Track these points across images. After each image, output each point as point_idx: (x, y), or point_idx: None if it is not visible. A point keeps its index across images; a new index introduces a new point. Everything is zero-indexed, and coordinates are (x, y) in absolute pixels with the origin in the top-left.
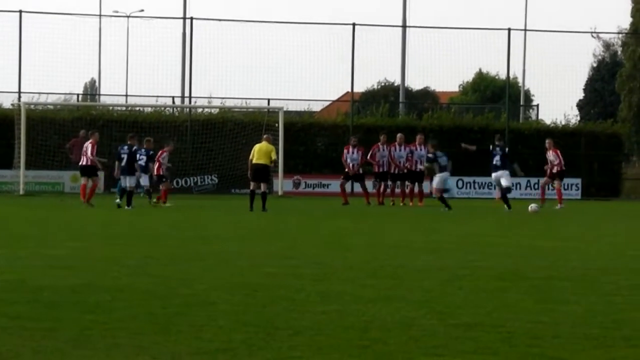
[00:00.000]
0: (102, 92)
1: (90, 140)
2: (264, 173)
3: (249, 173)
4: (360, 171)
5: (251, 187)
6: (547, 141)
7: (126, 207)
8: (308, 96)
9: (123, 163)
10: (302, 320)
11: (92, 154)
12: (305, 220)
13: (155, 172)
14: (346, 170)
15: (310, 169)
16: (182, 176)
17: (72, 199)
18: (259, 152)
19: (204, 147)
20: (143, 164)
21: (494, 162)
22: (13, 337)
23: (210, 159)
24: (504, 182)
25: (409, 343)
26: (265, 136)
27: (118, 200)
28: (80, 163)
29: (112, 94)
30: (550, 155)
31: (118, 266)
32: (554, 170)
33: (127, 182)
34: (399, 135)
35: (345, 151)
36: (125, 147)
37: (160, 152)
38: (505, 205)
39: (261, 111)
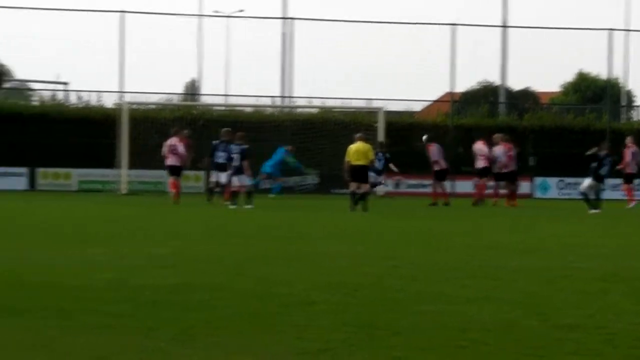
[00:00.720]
0: (202, 92)
1: (175, 138)
2: (363, 174)
3: (346, 174)
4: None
5: (351, 188)
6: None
7: (246, 207)
8: (408, 96)
9: (236, 162)
10: (402, 320)
11: (185, 151)
12: (405, 220)
13: (177, 163)
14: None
15: (410, 169)
16: (285, 175)
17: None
18: (357, 152)
19: (303, 147)
20: (238, 163)
21: (601, 172)
22: (116, 336)
23: (310, 159)
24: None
25: (508, 344)
26: (358, 135)
27: (229, 204)
28: (169, 163)
29: (212, 93)
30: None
31: (218, 265)
32: (627, 171)
33: (238, 180)
34: (495, 135)
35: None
36: (234, 146)
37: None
38: (592, 208)
39: (361, 111)
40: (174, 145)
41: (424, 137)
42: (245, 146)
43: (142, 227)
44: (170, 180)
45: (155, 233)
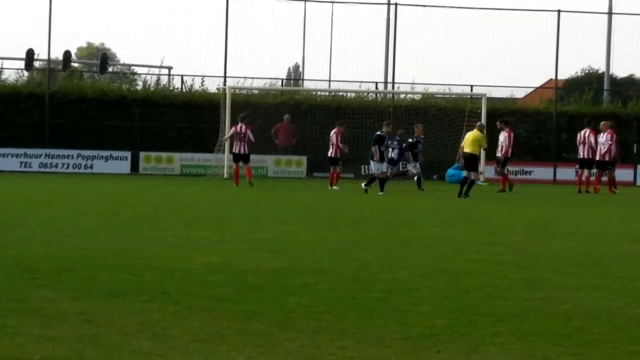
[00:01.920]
0: (305, 77)
1: (242, 125)
2: (472, 162)
3: (460, 160)
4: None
5: (464, 175)
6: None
7: (380, 194)
8: (511, 83)
9: (394, 155)
10: (505, 308)
11: (339, 141)
12: (508, 207)
13: (333, 154)
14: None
15: (512, 156)
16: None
17: (275, 181)
18: (467, 140)
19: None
20: (395, 156)
21: None
22: (218, 319)
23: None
24: None
25: (613, 332)
26: (478, 124)
27: (365, 186)
28: (236, 151)
29: (315, 79)
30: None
31: (321, 250)
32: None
33: (384, 168)
34: (602, 122)
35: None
36: (396, 142)
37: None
38: None
39: (464, 97)
40: (242, 132)
41: (503, 120)
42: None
43: (246, 212)
44: (234, 166)
45: (259, 217)
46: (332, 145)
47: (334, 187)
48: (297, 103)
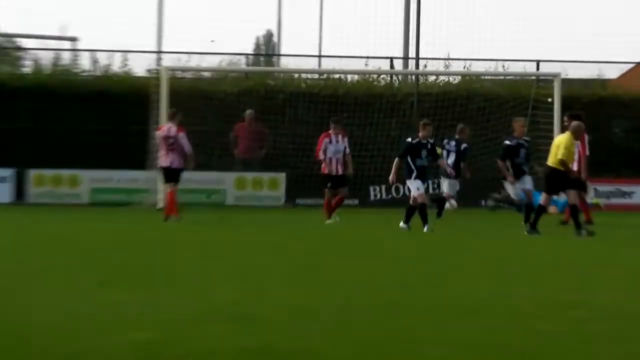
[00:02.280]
0: (282, 52)
1: (171, 125)
2: (551, 179)
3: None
4: None
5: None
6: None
7: (403, 226)
8: (597, 57)
9: (451, 161)
10: None
11: (188, 147)
12: (593, 248)
13: (335, 170)
14: None
15: (605, 168)
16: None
17: (238, 213)
18: (553, 147)
19: (439, 133)
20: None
21: None
22: None
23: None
24: None
25: None
26: (574, 124)
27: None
28: (164, 164)
29: (298, 54)
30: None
31: (313, 319)
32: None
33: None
34: None
35: None
36: (453, 143)
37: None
38: None
39: (526, 79)
40: (171, 137)
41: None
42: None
43: (192, 261)
44: (167, 189)
45: (213, 269)
46: (331, 157)
47: (333, 218)
48: (270, 91)
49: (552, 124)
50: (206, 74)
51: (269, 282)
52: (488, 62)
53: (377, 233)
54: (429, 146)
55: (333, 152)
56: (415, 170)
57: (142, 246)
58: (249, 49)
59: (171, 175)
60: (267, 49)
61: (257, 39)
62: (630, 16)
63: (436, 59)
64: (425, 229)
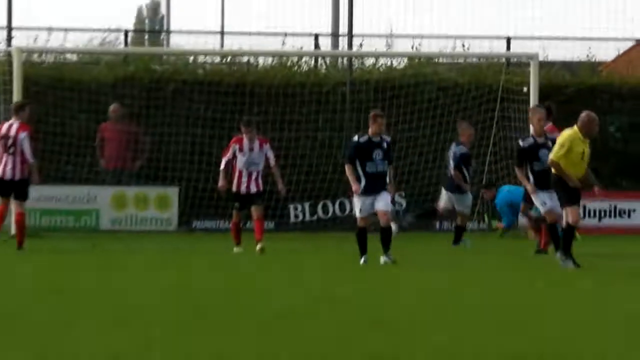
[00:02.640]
0: (172, 28)
1: (12, 121)
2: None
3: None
4: None
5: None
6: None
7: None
8: (587, 33)
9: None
10: None
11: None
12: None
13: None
14: None
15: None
16: (321, 196)
17: (114, 240)
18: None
19: None
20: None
21: None
22: None
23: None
24: None
25: None
26: (584, 115)
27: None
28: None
29: (191, 30)
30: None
31: None
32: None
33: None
34: None
35: None
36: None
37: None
38: None
39: (493, 62)
40: (11, 137)
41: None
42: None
43: (60, 303)
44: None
45: (90, 313)
46: (241, 170)
47: (261, 244)
48: (157, 80)
49: (526, 120)
50: (72, 57)
51: (156, 330)
52: (443, 39)
53: (298, 265)
54: (384, 145)
55: (244, 164)
56: (364, 179)
57: None
58: (129, 23)
59: (12, 189)
60: (152, 23)
61: (140, 10)
62: None
63: (375, 35)
64: (381, 260)
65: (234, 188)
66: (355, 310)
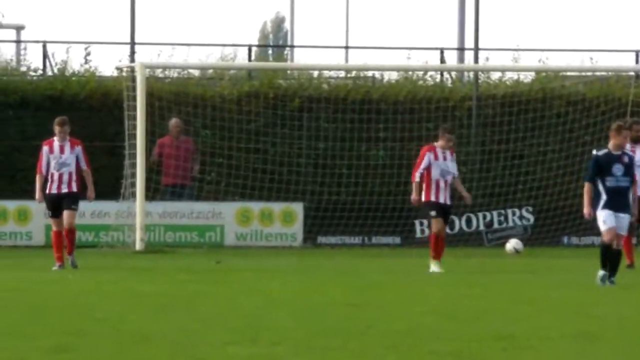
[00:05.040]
0: (296, 43)
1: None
2: None
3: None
4: None
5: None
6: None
7: None
8: None
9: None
10: None
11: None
12: None
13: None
14: None
15: None
16: (461, 211)
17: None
18: None
19: (506, 151)
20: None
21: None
22: None
23: (519, 177)
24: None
25: None
26: None
27: None
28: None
29: (316, 45)
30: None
31: None
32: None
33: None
34: None
35: None
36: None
37: None
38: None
39: (622, 75)
40: (62, 155)
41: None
42: None
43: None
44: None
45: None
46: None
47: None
48: (281, 94)
49: None
50: (194, 72)
51: (281, 348)
52: (570, 53)
53: (423, 281)
54: (626, 160)
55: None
56: (605, 195)
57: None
58: (253, 38)
59: (62, 203)
60: (276, 39)
61: (264, 25)
62: None
63: (501, 49)
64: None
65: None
66: (480, 325)
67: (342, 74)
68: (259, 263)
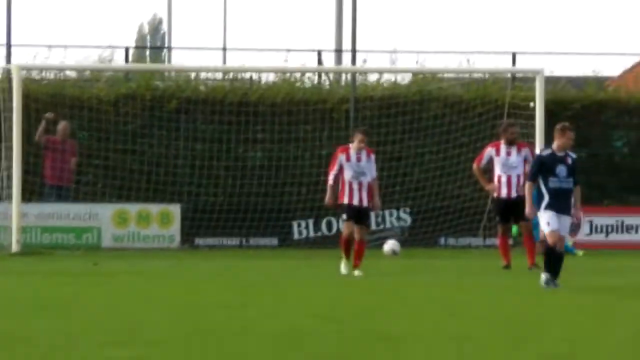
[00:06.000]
0: (174, 45)
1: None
2: None
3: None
4: None
5: None
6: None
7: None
8: (594, 48)
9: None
10: None
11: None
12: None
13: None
14: None
15: (604, 194)
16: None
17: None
18: None
19: (384, 153)
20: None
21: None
22: None
23: (396, 179)
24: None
25: None
26: None
27: None
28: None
29: (193, 47)
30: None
31: None
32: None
33: None
34: None
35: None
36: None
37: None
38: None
39: (499, 78)
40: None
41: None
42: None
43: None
44: None
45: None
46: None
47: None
48: (158, 97)
49: (533, 135)
50: (71, 74)
51: (156, 348)
52: (448, 55)
53: (302, 282)
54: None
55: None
56: (547, 196)
57: None
58: (130, 40)
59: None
60: (153, 40)
61: (141, 27)
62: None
63: (379, 51)
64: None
65: (346, 200)
66: (359, 325)
67: (219, 75)
68: (137, 265)
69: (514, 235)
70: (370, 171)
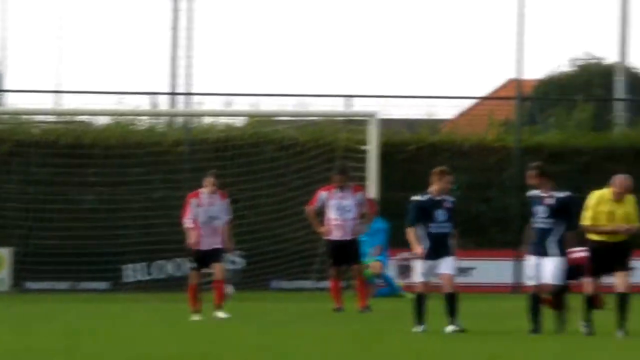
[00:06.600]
0: (6, 87)
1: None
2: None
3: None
4: None
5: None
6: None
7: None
8: (428, 91)
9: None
10: None
11: None
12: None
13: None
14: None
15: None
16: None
17: None
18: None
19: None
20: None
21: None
22: None
23: (231, 222)
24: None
25: None
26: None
27: None
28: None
29: (26, 89)
30: None
31: None
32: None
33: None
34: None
35: None
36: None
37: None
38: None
39: (333, 120)
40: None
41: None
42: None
43: None
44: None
45: None
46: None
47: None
48: None
49: (367, 178)
50: None
51: None
52: (282, 98)
53: (130, 326)
54: (448, 205)
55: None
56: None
57: None
58: None
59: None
60: None
61: None
62: (466, 44)
63: (214, 94)
64: (448, 329)
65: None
66: None
67: (53, 118)
68: None
69: (367, 275)
70: (223, 214)
